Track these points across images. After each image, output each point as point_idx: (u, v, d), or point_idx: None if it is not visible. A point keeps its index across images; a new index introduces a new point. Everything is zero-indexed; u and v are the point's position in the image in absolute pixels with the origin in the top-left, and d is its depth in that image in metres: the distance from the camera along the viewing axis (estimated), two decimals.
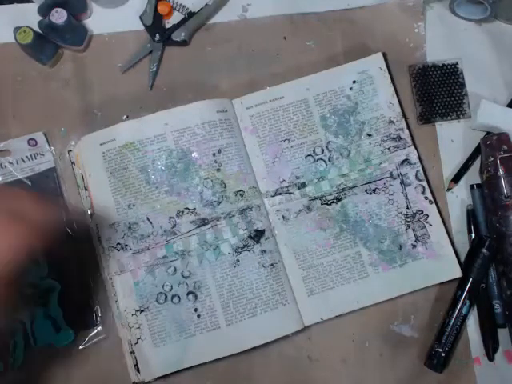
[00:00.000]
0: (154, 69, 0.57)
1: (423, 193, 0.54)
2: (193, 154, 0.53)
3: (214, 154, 0.53)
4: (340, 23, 0.59)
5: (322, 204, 0.54)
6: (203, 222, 0.53)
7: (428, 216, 0.54)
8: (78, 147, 0.55)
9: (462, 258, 0.54)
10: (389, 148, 0.55)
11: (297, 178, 0.55)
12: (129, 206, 0.53)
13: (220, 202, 0.53)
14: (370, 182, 0.55)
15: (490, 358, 0.53)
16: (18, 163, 0.55)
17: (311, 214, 0.54)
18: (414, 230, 0.54)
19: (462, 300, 0.52)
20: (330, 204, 0.54)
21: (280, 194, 0.54)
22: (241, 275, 0.52)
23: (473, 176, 0.56)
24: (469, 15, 0.59)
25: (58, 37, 0.56)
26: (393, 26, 0.59)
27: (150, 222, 0.53)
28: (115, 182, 0.53)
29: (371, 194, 0.54)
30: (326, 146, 0.55)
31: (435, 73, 0.57)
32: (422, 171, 0.55)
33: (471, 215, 0.55)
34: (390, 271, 0.53)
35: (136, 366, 0.51)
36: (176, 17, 0.59)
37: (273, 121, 0.55)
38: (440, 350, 0.51)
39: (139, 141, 0.53)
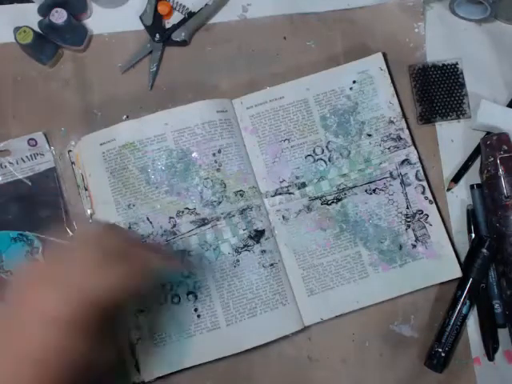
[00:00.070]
0: (154, 69, 0.57)
1: (423, 193, 0.54)
2: (193, 154, 0.53)
3: (213, 154, 0.53)
4: (340, 23, 0.59)
5: (322, 204, 0.54)
6: (203, 222, 0.53)
7: (428, 216, 0.54)
8: (78, 147, 0.55)
9: (462, 258, 0.54)
10: (389, 148, 0.55)
11: (297, 178, 0.55)
12: (129, 205, 0.53)
13: (220, 202, 0.53)
14: (370, 182, 0.55)
15: (490, 358, 0.52)
16: (18, 163, 0.55)
17: (311, 214, 0.54)
18: (414, 229, 0.54)
19: (461, 300, 0.52)
20: (330, 204, 0.54)
21: (280, 194, 0.54)
22: (241, 275, 0.52)
23: (473, 176, 0.56)
24: (469, 15, 0.59)
25: (58, 37, 0.56)
26: (393, 26, 0.59)
27: (150, 222, 0.53)
28: (115, 182, 0.53)
29: (371, 194, 0.54)
30: (326, 146, 0.55)
31: (435, 73, 0.57)
32: (421, 171, 0.55)
33: (471, 215, 0.55)
34: (390, 271, 0.53)
35: (136, 366, 0.51)
36: (176, 17, 0.59)
37: (273, 121, 0.55)
38: (440, 349, 0.51)
39: (139, 141, 0.53)
